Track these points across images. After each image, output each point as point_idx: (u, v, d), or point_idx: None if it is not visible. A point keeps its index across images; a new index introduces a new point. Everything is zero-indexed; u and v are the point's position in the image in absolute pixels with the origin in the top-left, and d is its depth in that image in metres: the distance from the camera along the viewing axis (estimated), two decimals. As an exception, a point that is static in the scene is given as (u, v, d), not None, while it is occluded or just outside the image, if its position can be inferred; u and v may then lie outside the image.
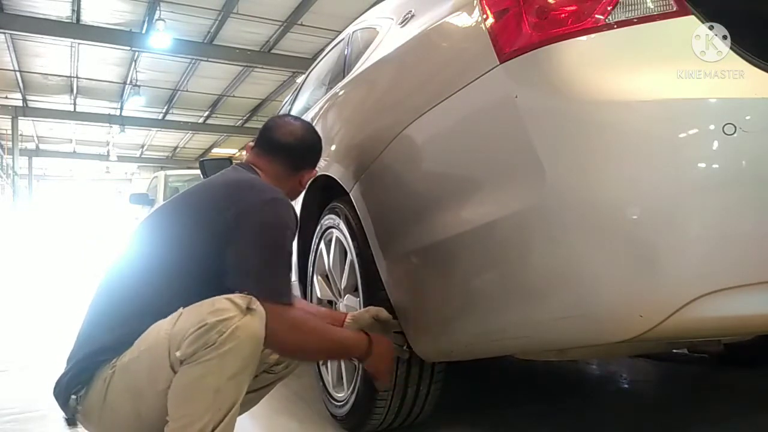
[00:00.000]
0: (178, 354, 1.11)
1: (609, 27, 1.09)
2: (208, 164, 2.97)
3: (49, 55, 11.55)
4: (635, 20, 1.09)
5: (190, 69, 12.40)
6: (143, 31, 10.23)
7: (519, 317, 1.21)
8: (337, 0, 9.17)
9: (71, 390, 1.23)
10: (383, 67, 1.76)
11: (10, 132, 16.45)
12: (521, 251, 1.16)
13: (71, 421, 1.26)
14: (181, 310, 1.16)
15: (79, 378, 1.23)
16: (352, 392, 1.70)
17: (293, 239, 1.34)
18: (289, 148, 1.51)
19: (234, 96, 14.37)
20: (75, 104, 15.06)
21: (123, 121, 15.82)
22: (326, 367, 1.89)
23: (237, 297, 1.15)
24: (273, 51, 11.25)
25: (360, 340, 1.40)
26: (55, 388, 1.26)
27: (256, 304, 1.16)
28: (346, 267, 1.78)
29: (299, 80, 3.43)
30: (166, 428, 1.13)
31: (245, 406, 1.43)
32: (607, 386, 2.42)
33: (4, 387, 2.56)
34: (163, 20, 9.49)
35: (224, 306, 1.13)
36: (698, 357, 2.62)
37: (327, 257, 1.93)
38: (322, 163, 1.76)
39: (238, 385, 1.14)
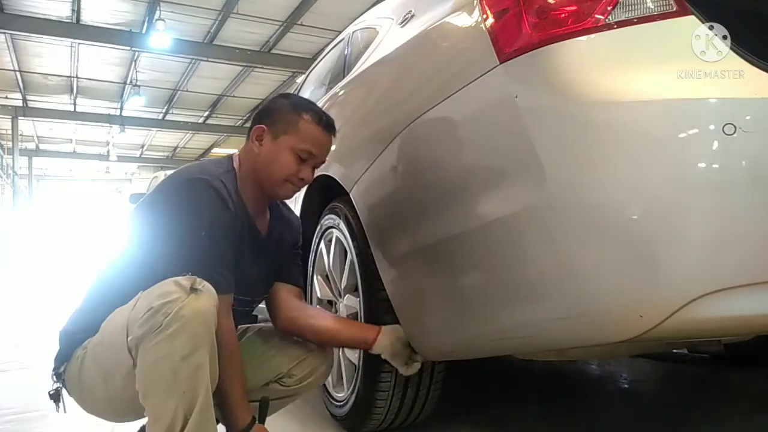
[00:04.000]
0: (130, 339, 1.13)
1: (609, 27, 1.09)
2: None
3: (49, 55, 11.56)
4: (635, 20, 1.09)
5: (190, 69, 12.41)
6: (143, 31, 10.25)
7: (519, 317, 1.21)
8: (337, 0, 9.18)
9: (57, 367, 1.30)
10: (383, 67, 1.76)
11: (10, 132, 16.47)
12: (521, 251, 1.16)
13: (55, 397, 1.30)
14: (140, 294, 1.18)
15: (63, 355, 1.29)
16: (352, 392, 1.70)
17: (220, 221, 1.25)
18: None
19: (234, 96, 14.38)
20: (75, 104, 15.08)
21: (123, 121, 15.84)
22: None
23: (182, 279, 1.15)
24: (273, 51, 11.27)
25: (243, 420, 1.26)
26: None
27: (203, 284, 1.15)
28: (346, 267, 1.78)
29: (299, 80, 3.43)
30: (147, 424, 1.15)
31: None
32: (607, 386, 2.42)
33: (4, 387, 2.56)
34: (163, 20, 9.51)
35: (169, 289, 1.13)
36: (698, 357, 2.62)
37: (327, 257, 1.93)
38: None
39: (196, 366, 1.11)
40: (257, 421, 1.29)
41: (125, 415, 1.28)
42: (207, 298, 1.14)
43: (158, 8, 9.41)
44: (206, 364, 1.13)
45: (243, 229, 1.34)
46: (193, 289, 1.13)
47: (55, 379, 1.30)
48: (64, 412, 1.30)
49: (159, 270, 1.18)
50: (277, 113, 1.39)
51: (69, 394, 1.30)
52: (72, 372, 1.27)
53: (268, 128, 1.38)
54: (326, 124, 1.40)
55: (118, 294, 1.23)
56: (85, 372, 1.24)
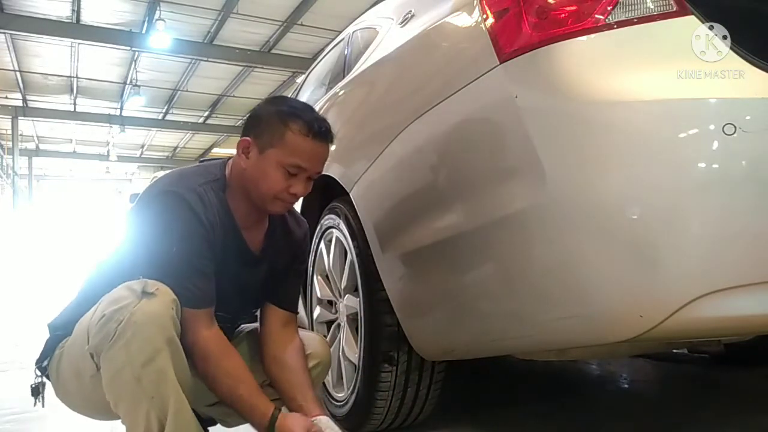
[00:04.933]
0: (87, 347, 1.13)
1: (609, 27, 1.09)
2: (208, 164, 2.96)
3: (49, 55, 11.56)
4: (635, 20, 1.09)
5: (190, 69, 12.41)
6: (143, 31, 10.25)
7: (519, 317, 1.21)
8: (337, 0, 9.19)
9: (40, 359, 1.29)
10: (383, 67, 1.76)
11: (10, 132, 16.48)
12: (521, 251, 1.16)
13: (35, 391, 1.30)
14: (102, 298, 1.17)
15: (47, 349, 1.29)
16: (352, 392, 1.70)
17: (190, 235, 1.20)
18: None
19: (234, 96, 14.38)
20: (75, 104, 15.08)
21: (123, 121, 15.84)
22: (326, 367, 1.89)
23: (134, 282, 1.13)
24: (273, 51, 11.27)
25: (263, 413, 1.19)
26: None
27: (155, 287, 1.12)
28: (346, 267, 1.78)
29: (299, 80, 3.43)
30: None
31: None
32: (607, 386, 2.42)
33: (4, 387, 2.56)
34: (163, 20, 9.51)
35: (120, 294, 1.11)
36: (698, 357, 2.62)
37: (327, 257, 1.93)
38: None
39: (158, 371, 1.08)
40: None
41: (105, 414, 1.24)
42: (160, 301, 1.11)
43: (158, 8, 9.40)
44: (169, 367, 1.09)
45: (226, 242, 1.27)
46: (144, 293, 1.10)
47: (38, 372, 1.29)
48: (42, 406, 1.30)
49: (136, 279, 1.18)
50: (262, 124, 1.27)
51: (53, 388, 1.30)
52: (52, 368, 1.27)
53: (253, 140, 1.26)
54: (317, 133, 1.25)
55: (98, 297, 1.20)
56: (61, 371, 1.25)
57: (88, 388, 1.19)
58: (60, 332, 1.27)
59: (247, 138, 1.28)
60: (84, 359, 1.16)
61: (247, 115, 1.34)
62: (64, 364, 1.24)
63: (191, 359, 1.18)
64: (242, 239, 1.32)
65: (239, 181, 1.29)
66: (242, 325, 1.48)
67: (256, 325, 1.48)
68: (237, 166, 1.30)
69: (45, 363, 1.29)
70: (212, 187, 1.27)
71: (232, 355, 1.23)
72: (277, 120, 1.25)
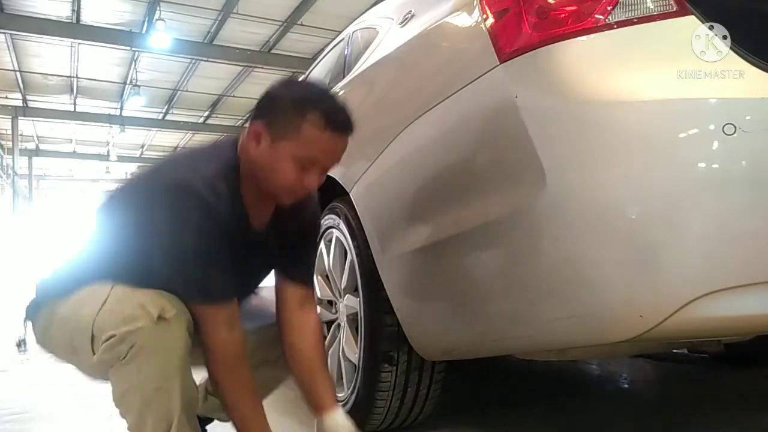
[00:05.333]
0: (95, 359, 1.10)
1: (609, 27, 1.10)
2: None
3: (49, 55, 11.55)
4: (635, 20, 1.10)
5: (190, 69, 12.41)
6: (143, 31, 10.25)
7: (519, 317, 1.21)
8: (337, 0, 9.19)
9: (27, 314, 1.30)
10: (383, 67, 1.76)
11: (10, 132, 16.46)
12: (521, 251, 1.16)
13: (20, 346, 1.30)
14: (109, 290, 1.14)
15: (35, 305, 1.28)
16: (351, 392, 1.70)
17: (207, 232, 1.14)
18: None
19: (234, 96, 14.38)
20: (75, 104, 15.07)
21: (123, 121, 15.83)
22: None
23: (150, 304, 1.09)
24: (273, 51, 11.27)
25: None
26: None
27: (172, 313, 1.09)
28: (346, 267, 1.78)
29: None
30: None
31: (263, 390, 1.39)
32: (607, 386, 2.42)
33: (4, 387, 2.56)
34: (163, 20, 9.51)
35: (135, 313, 1.07)
36: (698, 357, 2.62)
37: (327, 257, 1.93)
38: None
39: (168, 392, 1.08)
40: None
41: (91, 375, 1.23)
42: (175, 328, 1.09)
43: (158, 8, 9.40)
44: (177, 387, 1.09)
45: (235, 229, 1.21)
46: (160, 318, 1.07)
47: (28, 325, 1.29)
48: (27, 357, 1.30)
49: (154, 270, 1.14)
50: (276, 110, 1.17)
51: (35, 335, 1.29)
52: (38, 326, 1.27)
53: (266, 128, 1.16)
54: (336, 125, 1.15)
55: (97, 273, 1.18)
56: (52, 334, 1.24)
57: (83, 362, 1.18)
58: (54, 293, 1.24)
59: (259, 124, 1.17)
60: (82, 347, 1.13)
61: (262, 96, 1.22)
62: (56, 334, 1.22)
63: (203, 352, 1.17)
64: (249, 223, 1.26)
65: (248, 166, 1.21)
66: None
67: (264, 301, 1.45)
68: (246, 152, 1.20)
69: (32, 315, 1.28)
70: (225, 176, 1.18)
71: (242, 369, 1.20)
72: (293, 109, 1.15)
